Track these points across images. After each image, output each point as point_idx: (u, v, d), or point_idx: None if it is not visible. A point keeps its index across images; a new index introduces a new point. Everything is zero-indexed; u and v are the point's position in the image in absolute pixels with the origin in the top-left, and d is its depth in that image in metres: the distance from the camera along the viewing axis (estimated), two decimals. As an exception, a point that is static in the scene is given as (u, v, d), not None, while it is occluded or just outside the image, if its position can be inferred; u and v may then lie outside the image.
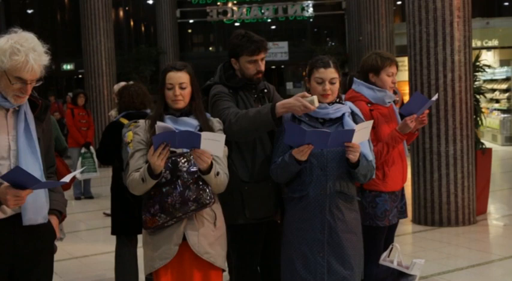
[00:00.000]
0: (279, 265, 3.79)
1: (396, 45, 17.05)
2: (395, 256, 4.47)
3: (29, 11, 32.12)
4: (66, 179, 2.90)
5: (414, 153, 8.07)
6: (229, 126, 3.66)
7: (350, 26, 21.48)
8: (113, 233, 5.30)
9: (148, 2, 29.54)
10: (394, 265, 4.42)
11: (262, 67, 3.92)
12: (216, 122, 3.57)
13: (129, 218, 5.00)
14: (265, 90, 4.06)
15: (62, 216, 3.20)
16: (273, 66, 29.06)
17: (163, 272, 3.38)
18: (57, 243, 5.20)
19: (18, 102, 2.88)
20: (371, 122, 3.47)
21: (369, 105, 4.29)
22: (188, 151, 3.31)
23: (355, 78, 4.45)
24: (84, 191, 11.04)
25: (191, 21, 28.94)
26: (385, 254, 4.46)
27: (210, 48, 31.48)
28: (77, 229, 8.60)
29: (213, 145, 3.18)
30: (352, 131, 3.35)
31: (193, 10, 27.64)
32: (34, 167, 2.89)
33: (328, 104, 3.64)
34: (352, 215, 3.67)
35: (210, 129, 3.42)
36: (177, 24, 26.61)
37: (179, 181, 3.32)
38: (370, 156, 3.58)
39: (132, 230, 5.17)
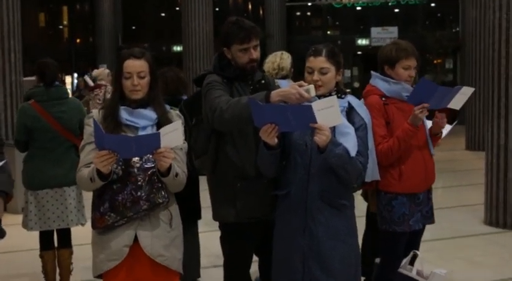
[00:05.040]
0: None
1: None
2: (416, 264, 4.13)
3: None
4: None
5: (488, 149, 7.50)
6: (220, 114, 3.45)
7: (464, 12, 20.44)
8: None
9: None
10: (413, 274, 4.08)
11: (255, 55, 3.68)
12: (176, 115, 3.33)
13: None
14: (263, 81, 3.81)
15: (7, 197, 3.11)
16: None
17: (112, 274, 3.18)
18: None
19: None
20: (334, 98, 3.10)
21: (383, 99, 3.93)
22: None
23: (372, 72, 4.09)
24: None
25: (300, 4, 28.62)
26: (405, 261, 4.12)
27: (319, 33, 31.03)
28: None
29: (173, 136, 2.99)
30: (309, 108, 3.02)
31: (302, -7, 27.37)
32: None
33: (320, 97, 3.34)
34: (340, 221, 3.35)
35: (169, 122, 3.18)
36: (285, 8, 26.39)
37: (131, 178, 3.11)
38: (353, 152, 3.23)
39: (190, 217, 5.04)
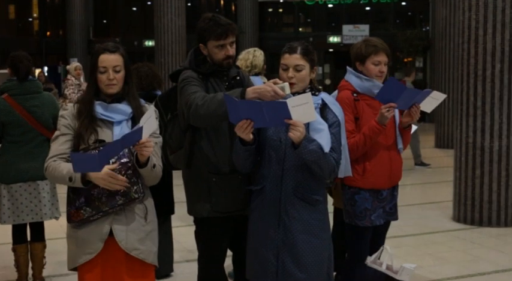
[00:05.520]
0: None
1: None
2: (385, 259, 4.21)
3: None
4: None
5: (457, 147, 7.65)
6: (195, 109, 3.48)
7: (434, 11, 20.68)
8: None
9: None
10: (383, 269, 4.17)
11: (231, 52, 3.71)
12: (150, 109, 3.32)
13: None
14: (238, 78, 3.85)
15: None
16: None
17: (87, 268, 3.20)
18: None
19: None
20: (309, 95, 3.14)
21: (355, 95, 4.00)
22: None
23: (347, 67, 4.16)
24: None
25: (272, 1, 28.70)
26: (374, 256, 4.20)
27: (291, 30, 31.13)
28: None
29: (150, 124, 3.07)
30: (284, 104, 3.07)
31: (274, -10, 27.47)
32: None
33: (294, 94, 3.39)
34: (314, 216, 3.40)
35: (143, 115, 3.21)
36: (258, 4, 26.44)
37: None
38: (326, 148, 3.28)
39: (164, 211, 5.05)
